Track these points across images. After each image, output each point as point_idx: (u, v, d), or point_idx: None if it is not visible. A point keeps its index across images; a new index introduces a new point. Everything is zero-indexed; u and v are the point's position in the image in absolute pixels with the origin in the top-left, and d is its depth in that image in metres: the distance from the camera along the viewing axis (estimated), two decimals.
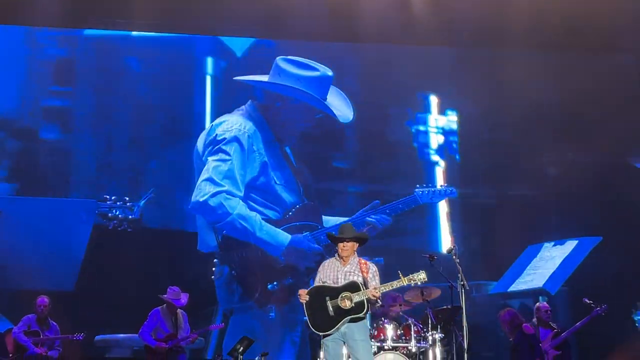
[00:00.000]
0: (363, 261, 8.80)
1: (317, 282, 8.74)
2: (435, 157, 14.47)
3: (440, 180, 14.32)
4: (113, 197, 13.20)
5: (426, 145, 14.50)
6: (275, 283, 13.15)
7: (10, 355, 11.19)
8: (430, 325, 10.96)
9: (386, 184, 14.01)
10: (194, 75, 14.21)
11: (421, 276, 8.65)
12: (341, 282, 8.60)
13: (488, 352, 12.52)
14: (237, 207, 13.21)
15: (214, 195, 13.19)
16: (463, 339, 9.37)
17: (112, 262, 12.86)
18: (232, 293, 13.18)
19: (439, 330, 10.97)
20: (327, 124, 13.82)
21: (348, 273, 8.65)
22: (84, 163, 13.59)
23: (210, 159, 13.35)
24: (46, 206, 13.10)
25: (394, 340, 10.82)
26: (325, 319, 8.51)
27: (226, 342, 12.72)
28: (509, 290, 13.64)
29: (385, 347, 10.76)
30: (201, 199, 13.22)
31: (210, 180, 13.26)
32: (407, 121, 14.47)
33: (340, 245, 8.72)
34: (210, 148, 13.42)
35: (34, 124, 13.69)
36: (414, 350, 10.83)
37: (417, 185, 13.68)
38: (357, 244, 8.83)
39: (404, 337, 10.92)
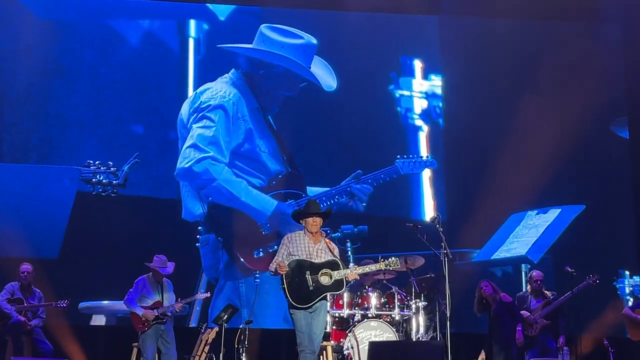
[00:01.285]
0: (327, 240, 9.03)
1: (284, 255, 8.87)
2: (418, 122, 14.46)
3: (423, 145, 14.33)
4: (97, 162, 13.11)
5: (409, 109, 14.48)
6: (260, 250, 13.17)
7: None
8: (413, 294, 11.08)
9: (370, 150, 14.00)
10: (176, 38, 14.08)
11: (395, 262, 9.13)
12: (314, 259, 8.79)
13: (470, 319, 12.60)
14: (223, 172, 13.22)
15: (199, 161, 13.18)
16: (446, 307, 9.46)
17: (97, 229, 12.84)
18: (218, 260, 13.21)
19: (422, 299, 11.11)
20: (310, 91, 13.79)
21: (320, 250, 8.87)
22: (64, 127, 13.46)
23: (194, 126, 13.32)
24: (28, 173, 13.00)
25: (377, 309, 10.95)
26: (304, 293, 8.69)
27: (212, 309, 12.75)
28: (491, 258, 13.73)
29: (369, 315, 10.88)
30: (186, 165, 13.21)
31: (194, 146, 13.24)
32: (390, 85, 14.44)
33: (310, 220, 8.87)
34: (194, 115, 13.38)
35: (15, 87, 13.53)
36: (397, 318, 10.98)
37: (398, 156, 13.69)
38: (322, 220, 9.01)
39: (387, 306, 11.05)
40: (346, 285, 8.99)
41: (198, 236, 13.24)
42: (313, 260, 8.76)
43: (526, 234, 13.80)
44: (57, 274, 12.25)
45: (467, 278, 12.50)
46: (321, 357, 10.24)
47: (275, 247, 12.99)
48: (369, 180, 13.44)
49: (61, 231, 12.81)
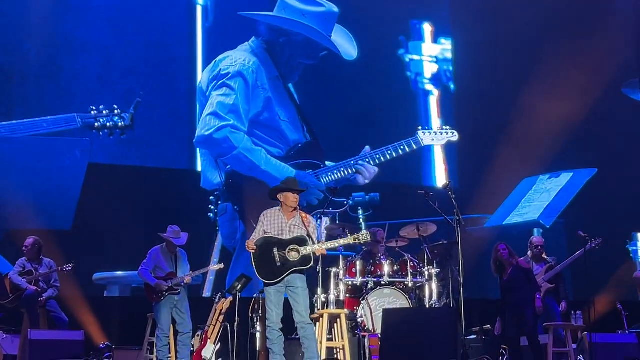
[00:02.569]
0: (304, 215, 9.06)
1: (260, 233, 8.95)
2: (429, 87, 14.42)
3: (434, 109, 14.28)
4: (100, 106, 13.00)
5: (419, 74, 14.43)
6: None
7: (11, 295, 11.26)
8: (426, 261, 11.10)
9: (380, 117, 13.97)
10: (184, 5, 13.99)
11: (365, 235, 8.99)
12: (286, 235, 8.87)
13: (483, 285, 12.63)
14: (243, 140, 13.17)
15: (219, 129, 13.11)
16: (459, 274, 9.47)
17: (110, 200, 12.78)
18: (236, 230, 13.20)
19: (435, 266, 11.11)
20: (327, 60, 13.69)
21: (293, 226, 8.92)
22: (73, 97, 13.38)
23: (214, 93, 13.24)
24: (40, 145, 12.97)
25: (390, 276, 10.98)
26: (272, 270, 8.77)
27: (229, 279, 12.69)
28: (504, 223, 13.72)
29: (382, 283, 10.92)
30: (206, 133, 13.14)
31: (215, 114, 13.16)
32: (400, 50, 14.36)
33: (291, 196, 8.93)
34: (214, 83, 13.29)
35: (24, 57, 13.48)
36: (410, 285, 11.01)
37: (420, 127, 13.54)
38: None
39: (400, 273, 11.09)
40: (314, 261, 8.99)
41: (211, 206, 13.24)
42: (282, 237, 8.83)
43: (538, 198, 13.78)
44: (70, 246, 12.26)
45: (479, 244, 12.50)
46: (335, 325, 10.29)
47: None
48: (389, 151, 13.29)
49: (74, 202, 12.79)
